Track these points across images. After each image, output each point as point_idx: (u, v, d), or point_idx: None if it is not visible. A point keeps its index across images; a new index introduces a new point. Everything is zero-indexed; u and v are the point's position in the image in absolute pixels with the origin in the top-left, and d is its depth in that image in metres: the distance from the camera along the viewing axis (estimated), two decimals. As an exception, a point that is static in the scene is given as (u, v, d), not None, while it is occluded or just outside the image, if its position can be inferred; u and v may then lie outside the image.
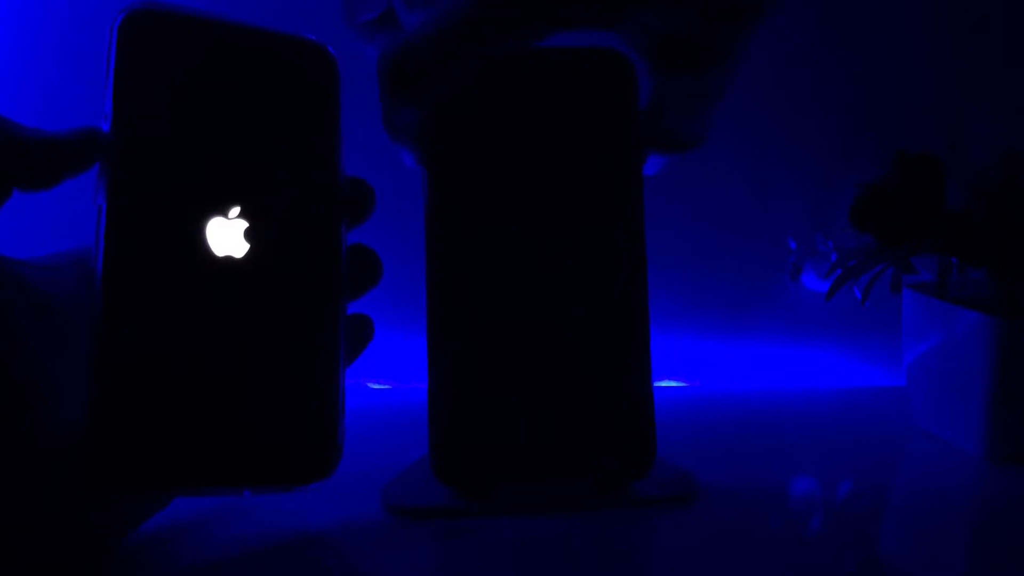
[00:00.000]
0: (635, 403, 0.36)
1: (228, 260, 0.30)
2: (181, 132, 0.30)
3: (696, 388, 0.58)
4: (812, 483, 0.42)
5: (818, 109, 0.58)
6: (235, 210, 0.31)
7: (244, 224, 0.31)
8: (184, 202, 0.30)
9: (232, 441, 0.30)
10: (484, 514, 0.35)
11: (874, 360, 0.60)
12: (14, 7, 0.53)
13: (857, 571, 0.32)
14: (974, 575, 0.33)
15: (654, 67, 0.34)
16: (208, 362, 0.29)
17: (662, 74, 0.35)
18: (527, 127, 0.37)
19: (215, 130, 0.31)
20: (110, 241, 0.28)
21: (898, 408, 0.51)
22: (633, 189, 0.37)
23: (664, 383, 0.59)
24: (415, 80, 0.32)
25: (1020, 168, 0.44)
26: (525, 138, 0.37)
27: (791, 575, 0.31)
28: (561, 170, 0.37)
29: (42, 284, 0.28)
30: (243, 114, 0.31)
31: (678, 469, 0.38)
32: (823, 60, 0.58)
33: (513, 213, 0.36)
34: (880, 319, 0.55)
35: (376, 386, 0.56)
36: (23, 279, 0.28)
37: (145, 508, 0.31)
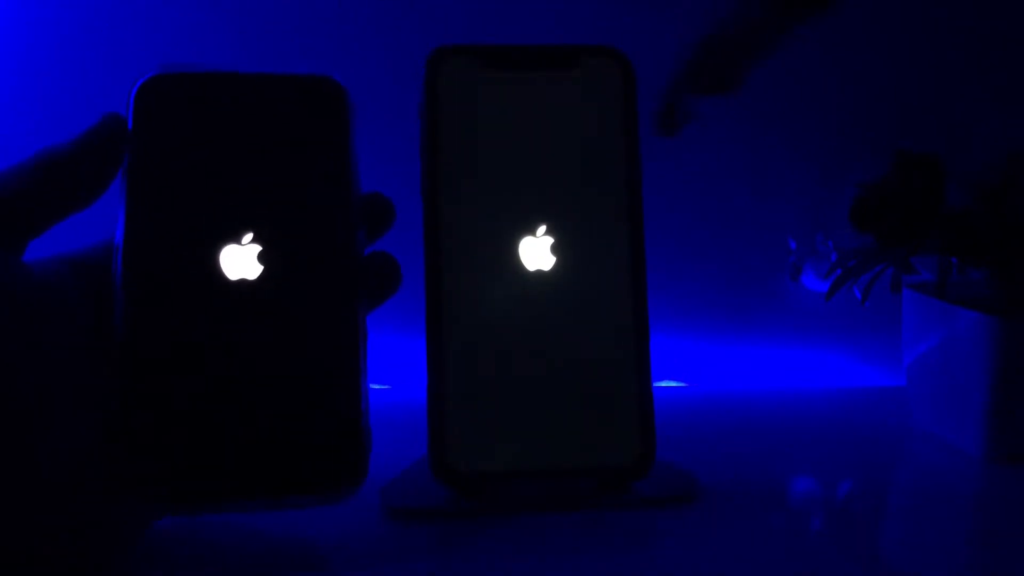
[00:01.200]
0: (635, 403, 0.36)
1: (242, 283, 0.31)
2: (195, 170, 0.32)
3: (696, 388, 0.58)
4: (812, 483, 0.42)
5: (818, 109, 0.58)
6: (248, 236, 0.32)
7: (257, 248, 0.32)
8: (200, 233, 0.31)
9: (256, 458, 0.30)
10: (484, 514, 0.35)
11: (874, 360, 0.60)
12: (14, 9, 0.53)
13: (857, 571, 0.32)
14: (974, 575, 0.33)
15: (777, 11, 0.36)
16: (233, 382, 0.30)
17: (778, 17, 0.36)
18: (525, 125, 0.37)
19: (228, 166, 0.32)
20: (128, 268, 0.30)
21: (898, 408, 0.51)
22: (633, 188, 0.37)
23: (664, 383, 0.59)
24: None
25: (1021, 168, 0.44)
26: (524, 136, 0.37)
27: (791, 575, 0.31)
28: (560, 169, 0.37)
29: (43, 287, 0.28)
30: (254, 149, 0.33)
31: (678, 469, 0.38)
32: (823, 60, 0.58)
33: (511, 213, 0.36)
34: (880, 319, 0.55)
35: (376, 386, 0.56)
36: (25, 281, 0.28)
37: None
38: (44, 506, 0.27)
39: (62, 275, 0.29)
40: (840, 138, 0.58)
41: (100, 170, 0.30)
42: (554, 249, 0.36)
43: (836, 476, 0.42)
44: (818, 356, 0.60)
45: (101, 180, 0.30)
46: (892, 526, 0.37)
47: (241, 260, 0.31)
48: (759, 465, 0.42)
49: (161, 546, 0.32)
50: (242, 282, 0.31)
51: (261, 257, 0.32)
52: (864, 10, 0.58)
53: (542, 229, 0.36)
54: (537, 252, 0.36)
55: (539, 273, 0.36)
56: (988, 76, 0.59)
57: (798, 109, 0.58)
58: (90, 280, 0.30)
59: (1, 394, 0.26)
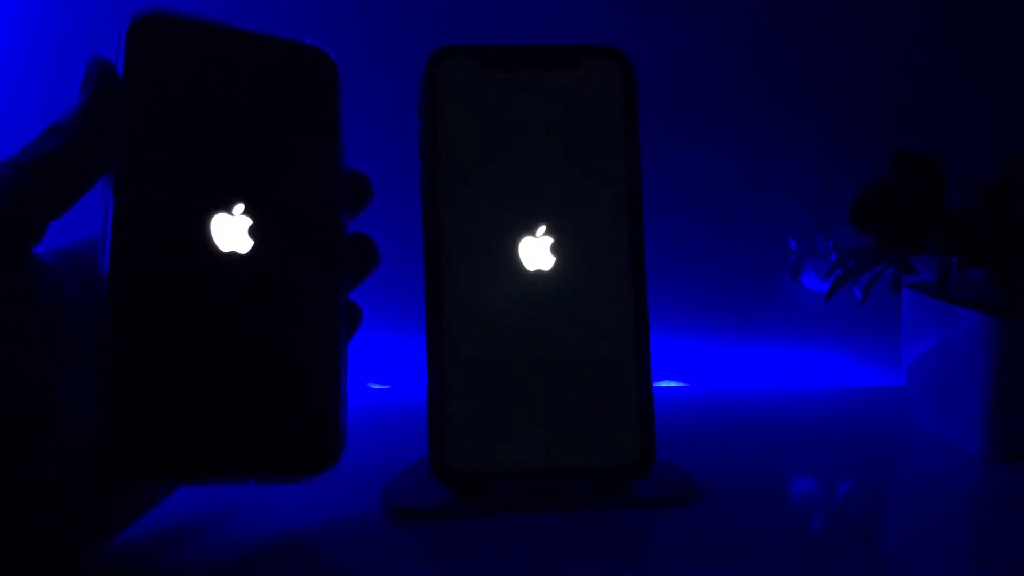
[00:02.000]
0: (635, 403, 0.36)
1: (232, 255, 0.31)
2: (186, 132, 0.31)
3: (696, 388, 0.58)
4: (812, 483, 0.42)
5: (818, 109, 0.58)
6: (239, 207, 0.31)
7: (248, 220, 0.31)
8: (190, 200, 0.30)
9: (238, 430, 0.30)
10: (484, 514, 0.35)
11: (874, 360, 0.60)
12: (13, 7, 0.53)
13: (857, 571, 0.32)
14: (974, 574, 0.33)
15: None
16: (213, 353, 0.30)
17: None
18: (525, 125, 0.37)
19: (219, 130, 0.31)
20: (117, 238, 0.29)
21: (898, 408, 0.51)
22: (633, 188, 0.37)
23: (664, 383, 0.59)
24: None
25: (1021, 168, 0.44)
26: (524, 136, 0.37)
27: (791, 575, 0.31)
28: (560, 169, 0.37)
29: (44, 279, 0.28)
30: (246, 114, 0.32)
31: (678, 469, 0.38)
32: (823, 60, 0.58)
33: (511, 213, 0.36)
34: (880, 319, 0.55)
35: (376, 386, 0.56)
36: (31, 275, 0.28)
37: (145, 499, 0.31)
38: (45, 505, 0.27)
39: (60, 268, 0.29)
40: (840, 138, 0.58)
41: (108, 137, 0.29)
42: (554, 249, 0.36)
43: (836, 476, 0.42)
44: (818, 356, 0.60)
45: (112, 146, 0.29)
46: (892, 526, 0.37)
47: (231, 231, 0.31)
48: (759, 465, 0.42)
49: (159, 546, 0.32)
50: (231, 254, 0.31)
51: (251, 229, 0.31)
52: (864, 10, 0.58)
53: (542, 229, 0.36)
54: (537, 252, 0.36)
55: (539, 273, 0.36)
56: (988, 76, 0.59)
57: (798, 109, 0.58)
58: (87, 275, 0.30)
59: (3, 391, 0.26)
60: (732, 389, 0.58)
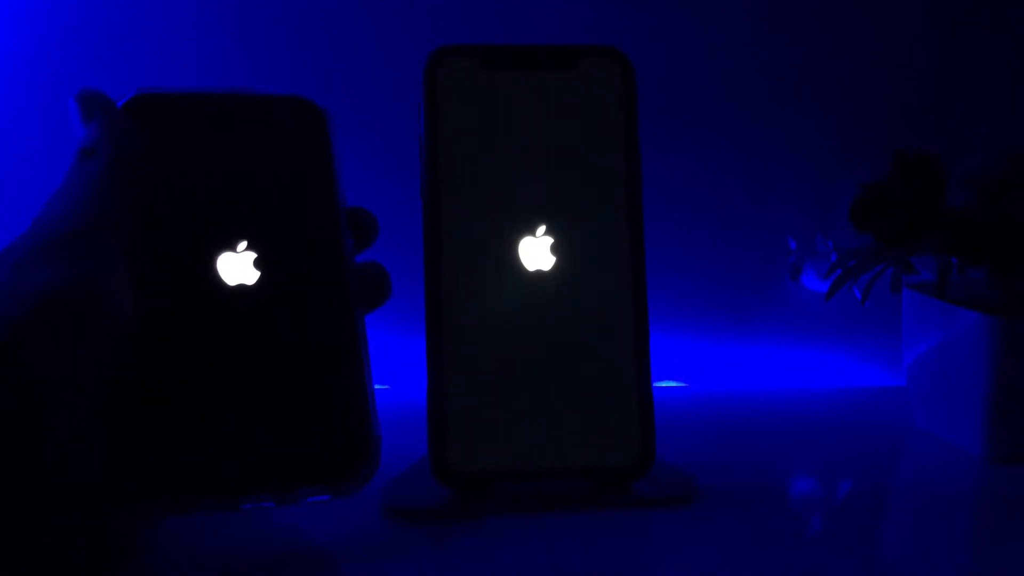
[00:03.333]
0: (635, 403, 0.36)
1: (244, 289, 0.32)
2: (187, 191, 0.32)
3: (696, 388, 0.58)
4: (812, 483, 0.42)
5: (818, 109, 0.58)
6: (243, 245, 0.32)
7: (255, 256, 0.32)
8: (194, 243, 0.32)
9: (259, 454, 0.31)
10: (484, 514, 0.35)
11: (874, 360, 0.60)
12: (13, 7, 0.53)
13: (857, 571, 0.32)
14: (973, 574, 0.33)
15: None
16: (240, 383, 0.31)
17: None
18: (525, 125, 0.37)
19: (215, 183, 0.33)
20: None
21: (898, 408, 0.51)
22: (633, 188, 0.37)
23: (664, 383, 0.59)
24: None
25: (1021, 168, 0.44)
26: (524, 136, 0.37)
27: (791, 575, 0.31)
28: (560, 169, 0.37)
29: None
30: (238, 165, 0.33)
31: (678, 469, 0.38)
32: (823, 60, 0.58)
33: (511, 213, 0.36)
34: (880, 319, 0.55)
35: (376, 386, 0.56)
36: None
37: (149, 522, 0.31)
38: (60, 507, 0.27)
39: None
40: (840, 138, 0.58)
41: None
42: (554, 249, 0.36)
43: (836, 476, 0.42)
44: (818, 356, 0.60)
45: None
46: (892, 526, 0.37)
47: (238, 267, 0.32)
48: (759, 465, 0.42)
49: (162, 547, 0.32)
50: (241, 287, 0.32)
51: (257, 263, 0.32)
52: (864, 10, 0.58)
53: (542, 229, 0.36)
54: (537, 252, 0.36)
55: (539, 273, 0.36)
56: (988, 76, 0.59)
57: (798, 109, 0.58)
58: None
59: (20, 399, 0.26)
60: (732, 389, 0.58)
